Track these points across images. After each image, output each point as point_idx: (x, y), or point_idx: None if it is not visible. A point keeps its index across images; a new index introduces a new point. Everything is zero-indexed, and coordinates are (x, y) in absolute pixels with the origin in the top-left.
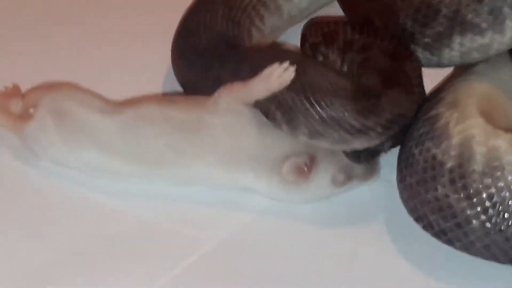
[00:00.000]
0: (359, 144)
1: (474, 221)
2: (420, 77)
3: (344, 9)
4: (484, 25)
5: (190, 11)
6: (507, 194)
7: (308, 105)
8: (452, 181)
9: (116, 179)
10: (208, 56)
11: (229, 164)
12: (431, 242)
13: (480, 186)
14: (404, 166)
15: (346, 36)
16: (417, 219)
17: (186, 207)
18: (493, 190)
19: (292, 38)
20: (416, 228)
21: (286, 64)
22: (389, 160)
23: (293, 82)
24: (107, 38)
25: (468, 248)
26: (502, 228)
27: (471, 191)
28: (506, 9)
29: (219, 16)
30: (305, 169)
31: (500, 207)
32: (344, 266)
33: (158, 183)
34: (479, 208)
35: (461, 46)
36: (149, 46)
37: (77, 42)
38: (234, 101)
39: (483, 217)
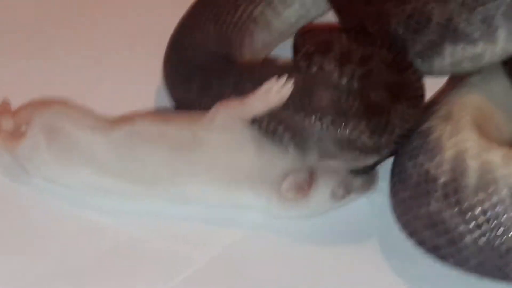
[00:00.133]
0: (371, 161)
1: (467, 237)
2: (422, 87)
3: (338, 13)
4: (476, 34)
5: (180, 28)
6: (501, 209)
7: (320, 127)
8: (445, 196)
9: (109, 197)
10: (205, 73)
11: (226, 183)
12: (424, 258)
13: (474, 201)
14: (397, 180)
15: (342, 46)
16: (410, 234)
17: (177, 224)
18: (486, 205)
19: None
20: (409, 244)
21: (284, 79)
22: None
23: (300, 101)
24: (99, 53)
25: (462, 264)
26: (496, 244)
27: (465, 206)
28: (498, 19)
29: (210, 33)
30: (305, 186)
31: (494, 223)
32: (337, 283)
33: (152, 201)
34: (472, 224)
35: (453, 55)
36: (140, 62)
37: (68, 58)
38: (231, 118)
39: (476, 232)
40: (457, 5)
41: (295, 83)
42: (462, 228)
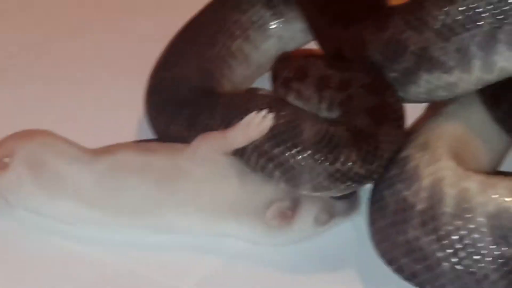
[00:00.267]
0: (362, 187)
1: (444, 264)
2: (402, 107)
3: (317, 38)
4: (451, 63)
5: (161, 63)
6: (478, 236)
7: (312, 164)
8: (423, 223)
9: (92, 227)
10: (192, 107)
11: (210, 214)
12: (403, 285)
13: (451, 228)
14: (375, 208)
15: (319, 71)
16: (389, 262)
17: (158, 252)
18: (464, 232)
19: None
20: (388, 271)
21: (264, 111)
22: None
23: (288, 138)
24: (80, 85)
25: None
26: (473, 270)
27: (442, 233)
28: (473, 48)
29: (191, 68)
30: (289, 213)
31: (471, 249)
32: None
33: (135, 231)
34: (450, 250)
35: (428, 83)
36: (122, 93)
37: (50, 89)
38: (213, 150)
39: (454, 259)
40: (432, 34)
41: (281, 118)
42: (439, 255)
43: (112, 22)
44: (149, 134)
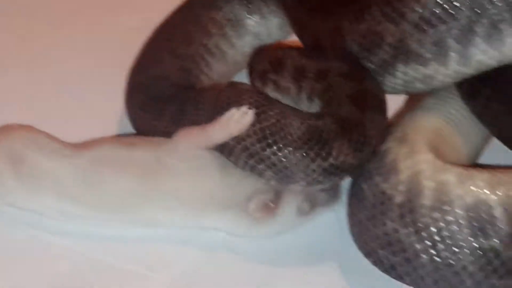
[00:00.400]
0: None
1: (423, 256)
2: (383, 92)
3: (296, 29)
4: (428, 55)
5: (139, 63)
6: (456, 228)
7: (306, 161)
8: (401, 216)
9: (76, 222)
10: (178, 104)
11: (192, 208)
12: (381, 277)
13: (429, 220)
14: (353, 201)
15: (295, 62)
16: (367, 254)
17: (139, 245)
18: (442, 224)
19: None
20: (367, 263)
21: (245, 108)
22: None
23: (280, 137)
24: (59, 80)
25: (418, 283)
26: (452, 262)
27: (420, 226)
28: (450, 41)
29: (172, 67)
30: (272, 205)
31: (449, 241)
32: None
33: (117, 225)
34: (428, 242)
35: (405, 75)
36: (102, 88)
37: (30, 84)
38: (193, 145)
39: (432, 251)
40: (409, 26)
41: (270, 118)
42: (417, 247)
43: (93, 17)
44: (129, 128)
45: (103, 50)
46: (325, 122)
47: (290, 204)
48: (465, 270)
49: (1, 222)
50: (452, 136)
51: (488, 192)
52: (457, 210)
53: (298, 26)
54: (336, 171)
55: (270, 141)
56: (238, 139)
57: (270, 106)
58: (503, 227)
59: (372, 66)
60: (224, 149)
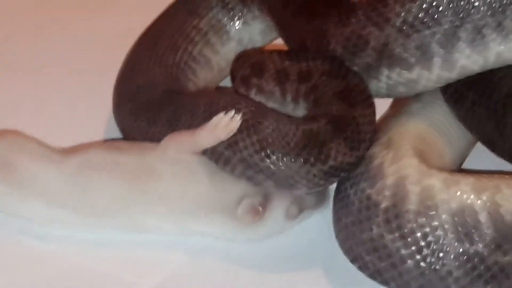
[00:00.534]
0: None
1: (409, 261)
2: (367, 87)
3: (281, 31)
4: (411, 60)
5: (126, 74)
6: (441, 233)
7: (306, 168)
8: (387, 221)
9: (63, 228)
10: (171, 109)
11: (181, 212)
12: (367, 282)
13: (415, 225)
14: (339, 207)
15: (276, 65)
16: (353, 260)
17: (124, 250)
18: (427, 229)
19: None
20: (353, 268)
21: (232, 112)
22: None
23: (277, 147)
24: (48, 85)
25: None
26: (437, 267)
27: (406, 231)
28: (434, 46)
29: (158, 76)
30: (260, 208)
31: (435, 246)
32: None
33: (105, 231)
34: (413, 248)
35: (389, 79)
36: (89, 93)
37: (18, 89)
38: (182, 150)
39: (417, 256)
40: (393, 30)
41: (265, 128)
42: (403, 252)
43: (80, 20)
44: (117, 133)
45: (90, 54)
46: (319, 124)
47: (279, 207)
48: (451, 275)
49: None
50: (437, 140)
51: (473, 197)
52: (442, 215)
53: (283, 29)
54: (336, 172)
55: (268, 151)
56: (235, 150)
57: (264, 115)
58: (488, 232)
59: (357, 70)
60: (220, 159)
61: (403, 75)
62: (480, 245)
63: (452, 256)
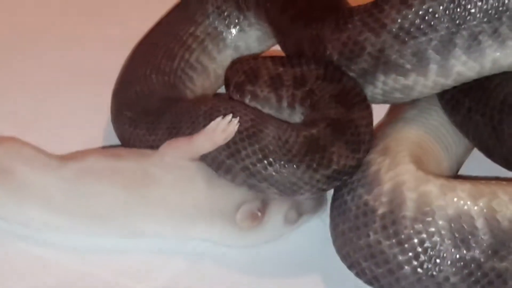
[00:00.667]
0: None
1: (406, 267)
2: (362, 88)
3: (278, 36)
4: (408, 66)
5: (124, 82)
6: (438, 239)
7: (310, 174)
8: (384, 227)
9: (58, 233)
10: (171, 116)
11: (180, 219)
12: None
13: (411, 231)
14: (336, 213)
15: (270, 71)
16: (350, 266)
17: (123, 256)
18: (424, 235)
19: None
20: (350, 274)
21: (229, 117)
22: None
23: (280, 156)
24: (46, 91)
25: None
26: (434, 273)
27: (403, 237)
28: (430, 52)
29: (157, 84)
30: (259, 214)
31: (432, 252)
32: None
33: (104, 237)
34: (410, 254)
35: (385, 85)
36: (87, 99)
37: (16, 96)
38: (179, 156)
39: (414, 262)
40: (390, 36)
41: (266, 136)
42: (400, 258)
43: (78, 27)
44: (115, 140)
45: (88, 61)
46: (318, 128)
47: (277, 213)
48: (447, 281)
49: None
50: (434, 147)
51: (469, 203)
52: (439, 221)
53: (280, 34)
54: (338, 176)
55: (271, 159)
56: (237, 158)
57: (264, 122)
58: (484, 238)
59: (353, 75)
60: (220, 168)
61: (399, 81)
62: (477, 251)
63: (449, 262)
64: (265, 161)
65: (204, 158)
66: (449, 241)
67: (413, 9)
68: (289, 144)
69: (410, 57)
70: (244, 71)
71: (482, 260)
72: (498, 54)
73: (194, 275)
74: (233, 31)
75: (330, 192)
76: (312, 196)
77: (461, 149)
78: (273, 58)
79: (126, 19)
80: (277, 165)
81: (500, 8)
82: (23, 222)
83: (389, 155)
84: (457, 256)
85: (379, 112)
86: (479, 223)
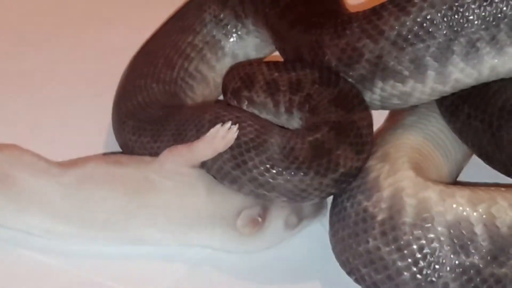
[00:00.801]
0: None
1: (405, 273)
2: (360, 91)
3: (277, 40)
4: (405, 73)
5: (125, 93)
6: (437, 245)
7: (320, 178)
8: (383, 234)
9: (65, 240)
10: (176, 123)
11: (181, 225)
12: None
13: (411, 237)
14: (336, 220)
15: (265, 76)
16: (350, 272)
17: (123, 262)
18: (423, 241)
19: None
20: (350, 281)
21: (228, 124)
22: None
23: (288, 165)
24: (46, 98)
25: None
26: (433, 279)
27: (402, 243)
28: (427, 59)
29: (158, 93)
30: (259, 219)
31: (431, 258)
32: None
33: (105, 243)
34: (410, 260)
35: (383, 91)
36: (88, 106)
37: (16, 103)
38: (180, 163)
39: (414, 268)
40: (388, 43)
41: (272, 145)
42: (399, 264)
43: (78, 34)
44: (115, 146)
45: (88, 68)
46: (322, 133)
47: (278, 218)
48: (447, 287)
49: None
50: (433, 153)
51: (468, 209)
52: (438, 227)
53: (279, 39)
54: (345, 178)
55: (280, 168)
56: (243, 169)
57: (268, 131)
58: (484, 244)
59: (351, 81)
60: (226, 178)
61: (397, 87)
62: (476, 257)
63: (448, 268)
64: (274, 171)
65: (209, 169)
66: (448, 247)
67: (411, 16)
68: (295, 151)
69: (408, 64)
70: (240, 77)
71: (481, 266)
72: (496, 61)
73: (195, 281)
74: (231, 39)
75: (329, 199)
76: (320, 201)
77: (460, 155)
78: (267, 63)
79: (127, 25)
80: (286, 174)
81: (498, 15)
82: (23, 229)
83: (388, 161)
84: (456, 262)
85: (378, 118)
86: (478, 229)
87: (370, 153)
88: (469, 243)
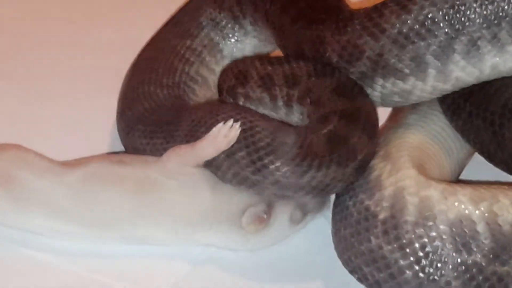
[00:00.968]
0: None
1: (407, 272)
2: (357, 82)
3: (279, 36)
4: (406, 71)
5: (129, 100)
6: (440, 243)
7: (342, 170)
8: (385, 232)
9: (68, 240)
10: (187, 124)
11: (185, 224)
12: None
13: (413, 236)
14: (338, 218)
15: (259, 71)
16: (352, 271)
17: (127, 261)
18: (425, 239)
19: None
20: (352, 279)
21: (230, 122)
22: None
23: (310, 160)
24: (50, 98)
25: None
26: (435, 277)
27: (404, 242)
28: (428, 57)
29: (160, 96)
30: (265, 216)
31: (433, 257)
32: None
33: (109, 243)
34: (412, 258)
35: (383, 88)
36: (91, 106)
37: (20, 103)
38: (183, 163)
39: (416, 267)
40: (389, 41)
41: (282, 146)
42: (402, 263)
43: (80, 32)
44: (119, 146)
45: (91, 67)
46: (334, 123)
47: (282, 214)
48: (449, 286)
49: None
50: (435, 151)
51: (471, 207)
52: (440, 226)
53: (281, 35)
54: (364, 164)
55: (304, 168)
56: (265, 173)
57: (284, 132)
58: (486, 242)
59: (352, 78)
60: (244, 182)
61: (397, 85)
62: (478, 255)
63: (450, 267)
64: (299, 172)
65: (224, 174)
66: (451, 246)
67: (412, 15)
68: (314, 147)
69: (409, 62)
70: (234, 75)
71: (483, 264)
72: (497, 59)
73: (199, 280)
74: (229, 41)
75: (332, 196)
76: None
77: (462, 153)
78: (260, 58)
79: (129, 24)
80: (310, 172)
81: (500, 14)
82: (27, 228)
83: (390, 160)
84: (459, 260)
85: (380, 117)
86: (480, 227)
87: (379, 138)
88: (471, 241)
